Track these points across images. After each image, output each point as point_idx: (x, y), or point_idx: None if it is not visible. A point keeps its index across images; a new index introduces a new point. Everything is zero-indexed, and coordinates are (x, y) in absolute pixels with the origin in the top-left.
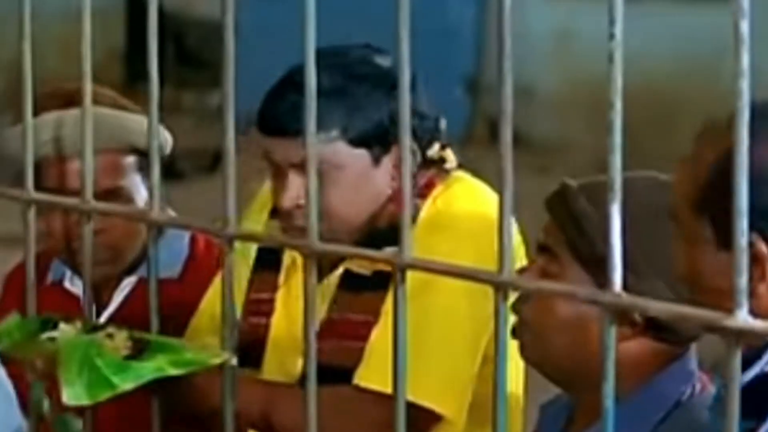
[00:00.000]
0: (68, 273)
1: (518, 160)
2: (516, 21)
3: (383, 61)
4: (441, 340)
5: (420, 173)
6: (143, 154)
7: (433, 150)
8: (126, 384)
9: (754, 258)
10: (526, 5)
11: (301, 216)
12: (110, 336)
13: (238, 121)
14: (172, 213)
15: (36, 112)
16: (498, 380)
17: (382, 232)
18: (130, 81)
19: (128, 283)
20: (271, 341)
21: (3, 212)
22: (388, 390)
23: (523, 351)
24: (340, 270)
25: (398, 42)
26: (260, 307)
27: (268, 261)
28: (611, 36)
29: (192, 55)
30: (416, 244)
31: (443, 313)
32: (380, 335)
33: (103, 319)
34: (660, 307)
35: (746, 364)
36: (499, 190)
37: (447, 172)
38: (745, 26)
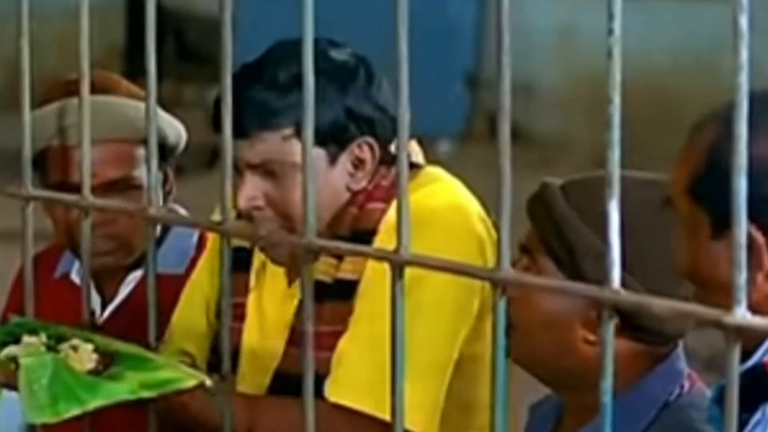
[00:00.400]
0: (76, 266)
1: (518, 156)
2: (517, 17)
3: (339, 55)
4: (421, 349)
5: (383, 173)
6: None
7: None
8: (95, 402)
9: (751, 248)
10: (527, 1)
11: (260, 217)
12: (74, 348)
13: None
14: (181, 209)
15: (40, 104)
16: (497, 376)
17: (345, 238)
18: (129, 77)
19: (134, 278)
20: (243, 348)
21: (5, 208)
22: (361, 404)
23: (512, 352)
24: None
25: (397, 39)
26: (234, 311)
27: (238, 262)
28: (610, 31)
29: (192, 51)
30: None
31: (416, 325)
32: (348, 345)
33: (107, 312)
34: (659, 304)
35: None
36: (498, 185)
37: (414, 168)
38: (744, 21)
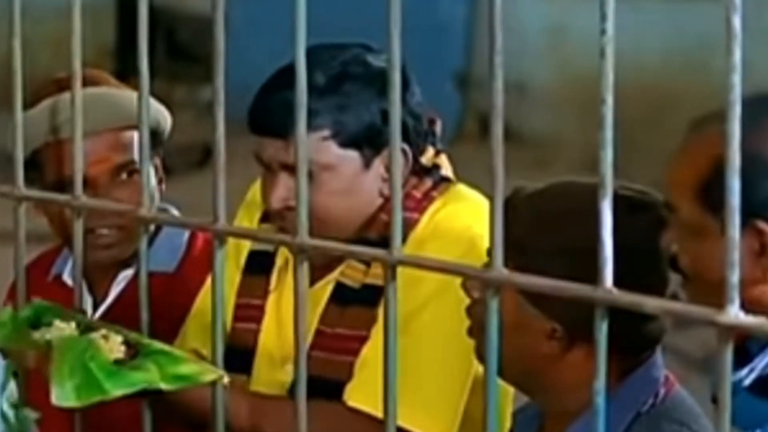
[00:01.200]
0: (68, 267)
1: (511, 156)
2: (509, 17)
3: (376, 61)
4: (433, 364)
5: (415, 183)
6: (151, 134)
7: (427, 155)
8: (117, 390)
9: (763, 247)
10: (519, 1)
11: (289, 216)
12: (105, 338)
13: (230, 116)
14: (173, 209)
15: (32, 104)
16: (489, 378)
17: (372, 242)
18: (121, 77)
19: (124, 277)
20: (260, 348)
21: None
22: (378, 411)
23: (478, 352)
24: (330, 282)
25: (389, 39)
26: (250, 313)
27: (258, 265)
28: (603, 32)
29: (184, 50)
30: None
31: (436, 338)
32: (371, 352)
33: (99, 312)
34: (653, 304)
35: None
36: (490, 185)
37: (444, 182)
38: (737, 21)
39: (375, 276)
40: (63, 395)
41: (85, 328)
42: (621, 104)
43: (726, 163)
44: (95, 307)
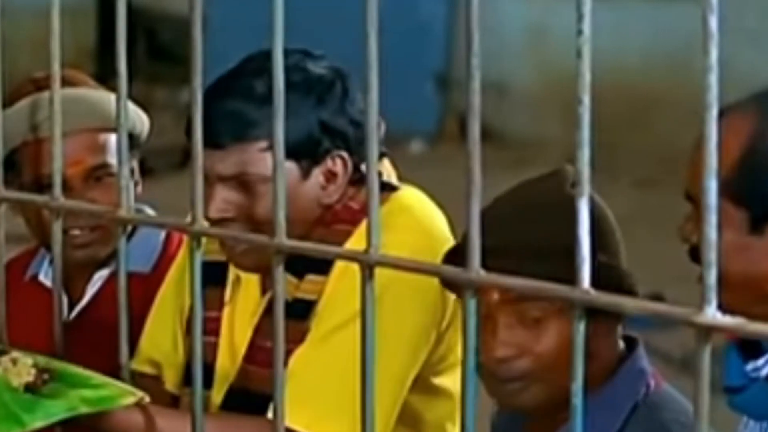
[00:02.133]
0: (44, 267)
1: (491, 156)
2: (488, 17)
3: (316, 68)
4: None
5: (352, 194)
6: (129, 136)
7: None
8: (36, 422)
9: None
10: (499, 1)
11: (230, 228)
12: (14, 362)
13: None
14: (149, 209)
15: (10, 104)
16: (467, 379)
17: (308, 258)
18: (101, 78)
19: (100, 277)
20: (218, 363)
21: None
22: (297, 424)
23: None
24: (266, 296)
25: (366, 40)
26: (207, 326)
27: (212, 277)
28: (579, 32)
29: (164, 51)
30: (347, 275)
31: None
32: (294, 365)
33: (75, 312)
34: (632, 304)
35: None
36: (467, 186)
37: (386, 190)
38: (713, 21)
39: (306, 291)
40: None
41: None
42: (600, 104)
43: (705, 162)
44: (71, 307)
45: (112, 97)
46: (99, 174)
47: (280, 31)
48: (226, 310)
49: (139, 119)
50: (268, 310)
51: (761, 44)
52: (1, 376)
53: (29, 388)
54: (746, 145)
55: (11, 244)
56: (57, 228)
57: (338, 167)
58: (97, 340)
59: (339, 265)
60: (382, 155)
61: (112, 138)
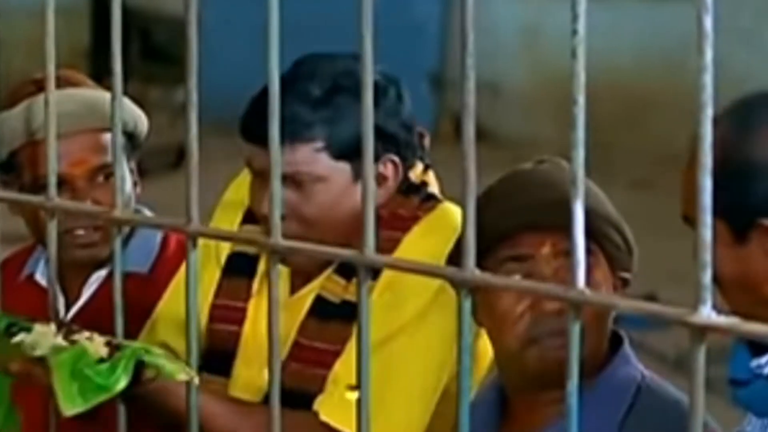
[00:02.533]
0: (41, 266)
1: (485, 157)
2: (483, 17)
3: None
4: (404, 392)
5: (401, 201)
6: (126, 133)
7: (416, 171)
8: (118, 385)
9: None
10: (493, 1)
11: (283, 227)
12: (90, 339)
13: (205, 117)
14: (145, 210)
15: (8, 106)
16: (461, 383)
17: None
18: (96, 78)
19: (97, 278)
20: (240, 351)
21: None
22: (345, 427)
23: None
24: (310, 293)
25: (361, 40)
26: (230, 314)
27: (240, 267)
28: (574, 32)
29: (159, 51)
30: (397, 282)
31: (408, 362)
32: (343, 367)
33: (71, 313)
34: (625, 304)
35: None
36: (463, 186)
37: (430, 200)
38: (708, 21)
39: (354, 293)
40: (69, 404)
41: (66, 330)
42: (594, 104)
43: (698, 162)
44: (67, 308)
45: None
46: (104, 173)
47: (275, 31)
48: (252, 301)
49: (139, 119)
50: (313, 310)
51: (756, 44)
52: (83, 351)
53: (101, 361)
54: (721, 158)
55: (11, 243)
56: (52, 228)
57: (389, 171)
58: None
59: (388, 272)
60: (427, 167)
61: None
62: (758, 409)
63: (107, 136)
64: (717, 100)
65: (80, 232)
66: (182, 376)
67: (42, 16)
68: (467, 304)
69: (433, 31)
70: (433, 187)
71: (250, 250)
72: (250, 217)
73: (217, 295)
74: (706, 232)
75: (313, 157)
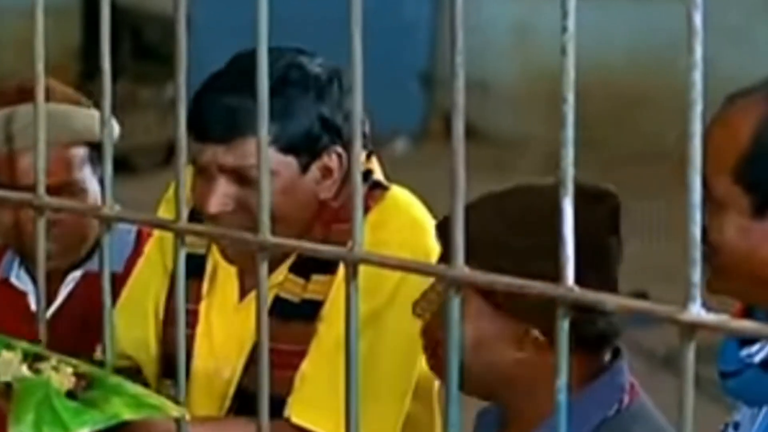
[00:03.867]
0: (15, 268)
1: (475, 155)
2: (473, 15)
3: (312, 65)
4: (384, 375)
5: (347, 190)
6: (94, 146)
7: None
8: (81, 428)
9: None
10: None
11: (228, 221)
12: (56, 369)
13: None
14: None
15: None
16: (450, 377)
17: (310, 259)
18: (86, 78)
19: (73, 278)
20: (194, 358)
21: None
22: (320, 427)
23: (439, 372)
24: (270, 294)
25: (351, 38)
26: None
27: (190, 268)
28: (564, 29)
29: (150, 50)
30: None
31: (388, 348)
32: (311, 367)
33: (49, 313)
34: (614, 301)
35: None
36: (451, 184)
37: (379, 188)
38: (698, 18)
39: (313, 291)
40: None
41: (33, 357)
42: (584, 102)
43: (687, 157)
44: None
45: (80, 110)
46: (62, 193)
47: (264, 30)
48: (203, 304)
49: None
50: (272, 311)
51: (745, 42)
52: (49, 382)
53: (69, 394)
54: (756, 131)
55: None
56: (41, 226)
57: (334, 162)
58: (72, 340)
59: (342, 267)
60: (370, 154)
61: (80, 152)
62: (749, 398)
63: (73, 151)
64: (707, 98)
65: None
66: (173, 412)
67: (32, 15)
68: (456, 302)
69: (424, 29)
70: (378, 174)
71: (199, 251)
72: (194, 217)
73: (168, 299)
74: (696, 230)
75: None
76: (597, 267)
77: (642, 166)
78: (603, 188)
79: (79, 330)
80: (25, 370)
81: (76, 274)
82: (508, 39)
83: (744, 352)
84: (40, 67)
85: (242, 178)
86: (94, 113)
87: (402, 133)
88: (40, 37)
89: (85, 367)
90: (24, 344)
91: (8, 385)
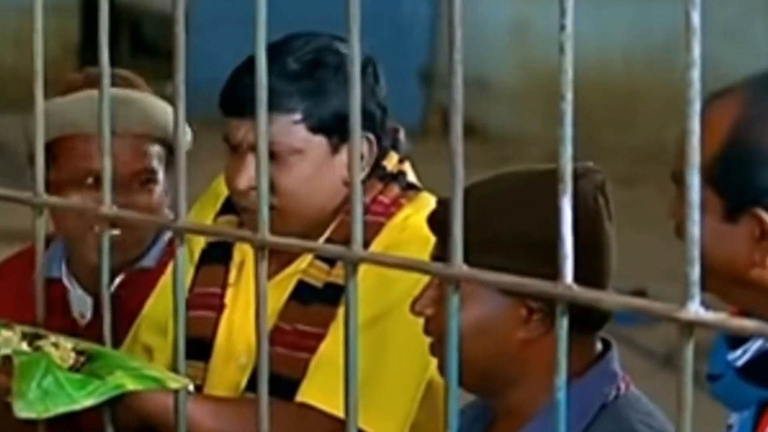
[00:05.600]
0: (62, 266)
1: (474, 152)
2: (471, 12)
3: (346, 50)
4: (392, 368)
5: (381, 189)
6: (168, 145)
7: (391, 162)
8: (86, 400)
9: (763, 234)
10: None
11: (256, 198)
12: (56, 345)
13: (195, 113)
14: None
15: (62, 94)
16: (450, 377)
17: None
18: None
19: (121, 279)
20: (217, 341)
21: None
22: (333, 409)
23: (442, 369)
24: (290, 278)
25: (349, 35)
26: (206, 301)
27: (216, 255)
28: (562, 27)
29: (149, 47)
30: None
31: (398, 342)
32: (328, 350)
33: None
34: (613, 300)
35: None
36: (450, 182)
37: (411, 189)
38: (696, 17)
39: (338, 276)
40: (26, 406)
41: (32, 336)
42: (582, 99)
43: (686, 156)
44: (96, 308)
45: (161, 105)
46: (138, 180)
47: (263, 27)
48: (230, 292)
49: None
50: (294, 294)
51: (743, 41)
52: (50, 356)
53: (70, 369)
54: (731, 133)
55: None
56: (40, 225)
57: (365, 149)
58: (118, 338)
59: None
60: (403, 159)
61: (156, 147)
62: (730, 402)
63: (149, 143)
64: (704, 96)
65: (115, 232)
66: (174, 384)
67: (31, 11)
68: (455, 300)
69: (423, 26)
70: (411, 178)
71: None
72: (227, 207)
73: (193, 285)
74: (695, 229)
75: (290, 129)
76: (587, 250)
77: (640, 164)
78: (585, 166)
79: (124, 323)
80: (24, 346)
81: (123, 275)
82: (506, 36)
83: (730, 356)
84: (39, 64)
85: (272, 155)
86: (168, 109)
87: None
88: (39, 34)
89: (84, 345)
90: (24, 327)
91: (7, 359)
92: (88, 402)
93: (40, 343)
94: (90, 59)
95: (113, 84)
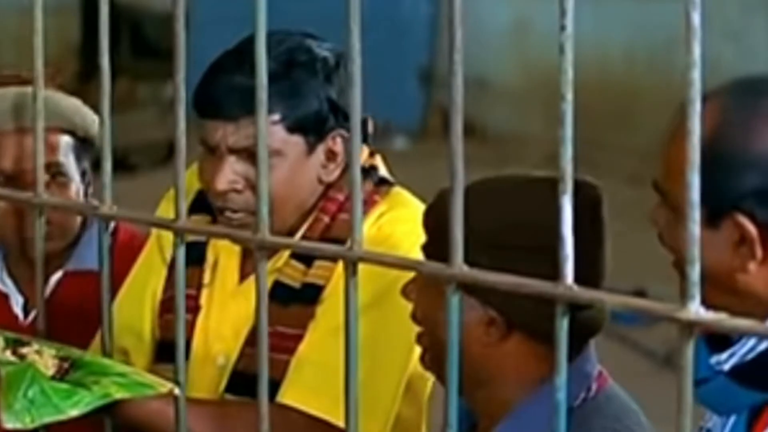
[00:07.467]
0: None
1: (474, 152)
2: (471, 12)
3: (319, 49)
4: (373, 365)
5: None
6: (79, 138)
7: (362, 156)
8: (73, 410)
9: (743, 239)
10: None
11: (235, 199)
12: (39, 353)
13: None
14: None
15: None
16: (450, 377)
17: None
18: (86, 75)
19: (56, 280)
20: (194, 343)
21: None
22: (313, 409)
23: (424, 361)
24: (269, 279)
25: (349, 35)
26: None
27: (189, 256)
28: (562, 28)
29: (149, 48)
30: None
31: (378, 338)
32: (307, 350)
33: (32, 316)
34: (613, 300)
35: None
36: (450, 182)
37: (384, 185)
38: (696, 17)
39: (315, 276)
40: (12, 417)
41: (14, 343)
42: (582, 99)
43: (687, 157)
44: (27, 310)
45: (64, 98)
46: (52, 172)
47: (263, 27)
48: (204, 293)
49: (94, 123)
50: (271, 295)
51: (742, 41)
52: (35, 366)
53: (54, 378)
54: (710, 139)
55: None
56: (40, 225)
57: (338, 146)
58: (56, 340)
59: None
60: (373, 152)
61: (65, 139)
62: (718, 406)
63: (58, 136)
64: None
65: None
66: (163, 390)
67: (32, 12)
68: (455, 300)
69: (423, 26)
70: (382, 171)
71: (200, 238)
72: (196, 206)
73: (165, 289)
74: (695, 228)
75: (270, 130)
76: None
77: (640, 164)
78: (581, 180)
79: (61, 330)
80: (9, 355)
81: (58, 276)
82: (507, 36)
83: (713, 359)
84: (39, 64)
85: (251, 156)
86: (78, 104)
87: (400, 130)
88: (39, 34)
89: (65, 351)
90: (5, 332)
91: None
92: (75, 412)
93: (24, 350)
94: (90, 60)
95: (10, 85)
